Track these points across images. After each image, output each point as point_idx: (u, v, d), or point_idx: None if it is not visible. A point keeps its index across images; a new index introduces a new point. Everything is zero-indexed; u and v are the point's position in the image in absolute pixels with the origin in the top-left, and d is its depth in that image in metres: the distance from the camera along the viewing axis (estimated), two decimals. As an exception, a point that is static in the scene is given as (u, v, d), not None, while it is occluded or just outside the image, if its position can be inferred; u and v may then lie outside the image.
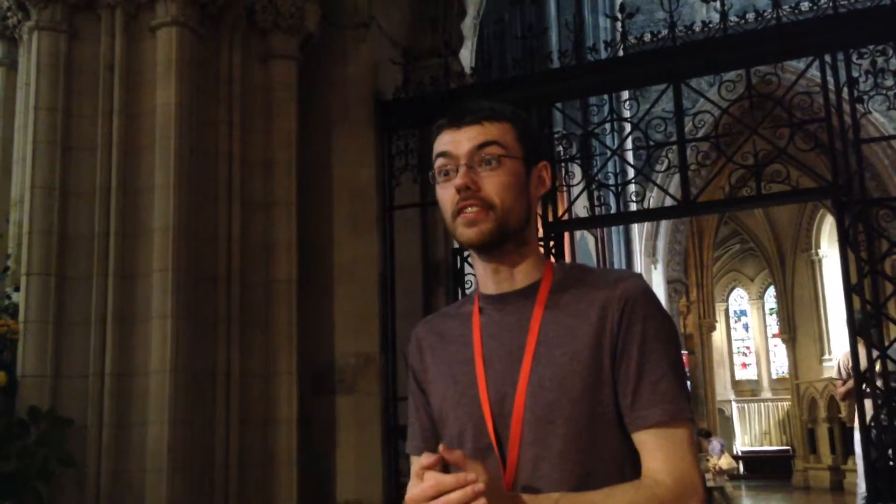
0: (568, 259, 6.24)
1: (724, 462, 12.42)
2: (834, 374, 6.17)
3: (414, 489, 1.13)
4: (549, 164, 1.41)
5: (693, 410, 1.30)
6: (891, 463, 3.54)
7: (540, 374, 1.27)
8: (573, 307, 1.31)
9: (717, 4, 4.16)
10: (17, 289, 3.59)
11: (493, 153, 1.32)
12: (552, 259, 1.38)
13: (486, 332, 1.36)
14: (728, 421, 20.76)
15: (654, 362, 1.25)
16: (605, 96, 4.59)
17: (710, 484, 12.32)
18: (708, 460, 12.84)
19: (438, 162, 1.36)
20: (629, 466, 1.27)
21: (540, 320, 1.31)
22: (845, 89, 3.83)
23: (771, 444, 20.25)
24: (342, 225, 4.39)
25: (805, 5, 4.45)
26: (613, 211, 6.21)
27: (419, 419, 1.46)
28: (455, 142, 1.34)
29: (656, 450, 1.23)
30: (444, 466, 1.14)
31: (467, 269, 4.53)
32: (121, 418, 3.48)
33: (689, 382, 14.49)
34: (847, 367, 5.92)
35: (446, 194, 1.34)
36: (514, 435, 1.27)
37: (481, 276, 1.41)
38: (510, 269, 1.36)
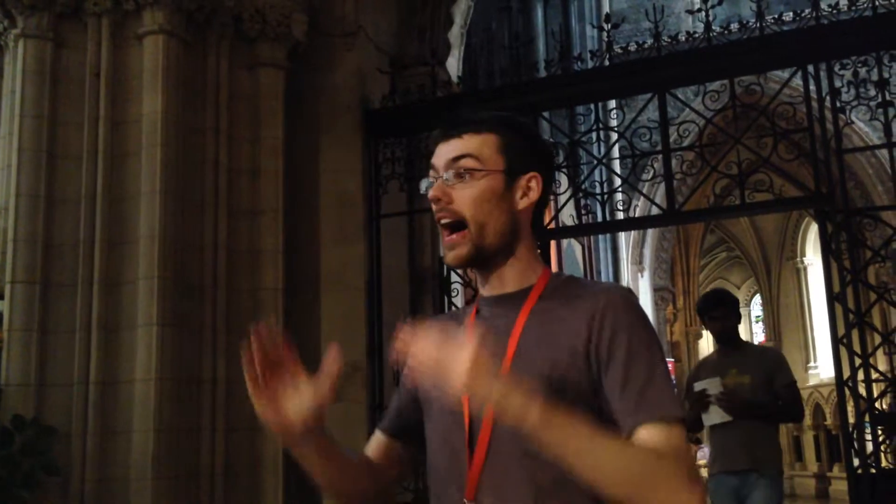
0: (555, 268, 6.26)
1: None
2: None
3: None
4: (539, 174, 1.39)
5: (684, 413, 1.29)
6: (872, 470, 3.57)
7: (517, 377, 1.27)
8: (558, 314, 1.31)
9: (702, 15, 4.20)
10: (1, 297, 3.57)
11: (465, 166, 1.35)
12: (551, 267, 1.40)
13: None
14: (714, 428, 20.79)
15: (641, 369, 1.26)
16: (592, 105, 4.62)
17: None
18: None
19: (430, 174, 1.40)
20: None
21: (523, 325, 1.32)
22: (828, 99, 3.87)
23: (757, 452, 20.28)
24: (329, 233, 4.39)
25: (788, 16, 4.49)
26: (600, 219, 6.22)
27: (399, 401, 1.51)
28: (438, 154, 1.39)
29: (651, 443, 1.22)
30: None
31: (454, 276, 4.54)
32: (105, 426, 3.47)
33: (674, 391, 14.49)
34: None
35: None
36: (483, 435, 1.28)
37: (478, 279, 1.44)
38: (500, 278, 1.39)
